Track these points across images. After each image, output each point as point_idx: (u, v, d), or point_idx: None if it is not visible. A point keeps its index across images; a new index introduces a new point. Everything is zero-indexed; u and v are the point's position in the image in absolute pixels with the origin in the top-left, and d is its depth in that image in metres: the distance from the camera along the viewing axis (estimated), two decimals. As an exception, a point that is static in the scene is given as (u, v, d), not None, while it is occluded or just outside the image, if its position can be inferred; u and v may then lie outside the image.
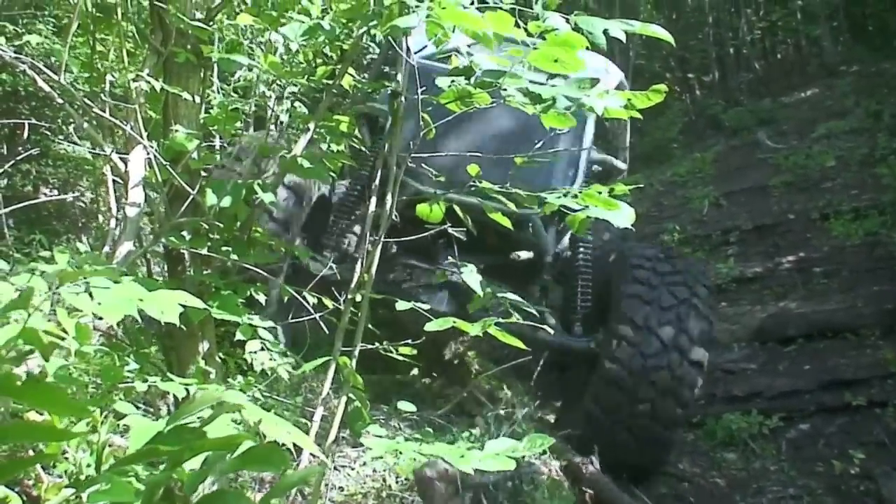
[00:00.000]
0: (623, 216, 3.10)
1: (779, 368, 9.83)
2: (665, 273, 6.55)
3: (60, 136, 7.97)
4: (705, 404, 8.89)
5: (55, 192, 8.70)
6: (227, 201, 3.07)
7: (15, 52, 3.14)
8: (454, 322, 2.89)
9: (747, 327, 10.80)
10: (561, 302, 7.58)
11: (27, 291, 1.94)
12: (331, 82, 3.34)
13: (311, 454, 2.94)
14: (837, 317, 10.35)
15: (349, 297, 3.10)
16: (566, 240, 7.76)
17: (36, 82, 3.09)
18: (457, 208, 3.50)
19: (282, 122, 3.28)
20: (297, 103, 3.48)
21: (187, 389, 2.57)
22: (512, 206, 3.31)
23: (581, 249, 7.34)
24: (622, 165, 8.03)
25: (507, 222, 3.42)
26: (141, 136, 3.04)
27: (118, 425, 3.07)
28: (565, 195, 3.14)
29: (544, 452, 6.05)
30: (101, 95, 3.15)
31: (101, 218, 8.66)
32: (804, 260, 12.56)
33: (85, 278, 2.32)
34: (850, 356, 9.57)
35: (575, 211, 3.16)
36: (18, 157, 6.93)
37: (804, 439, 8.34)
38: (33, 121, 6.97)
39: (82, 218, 8.99)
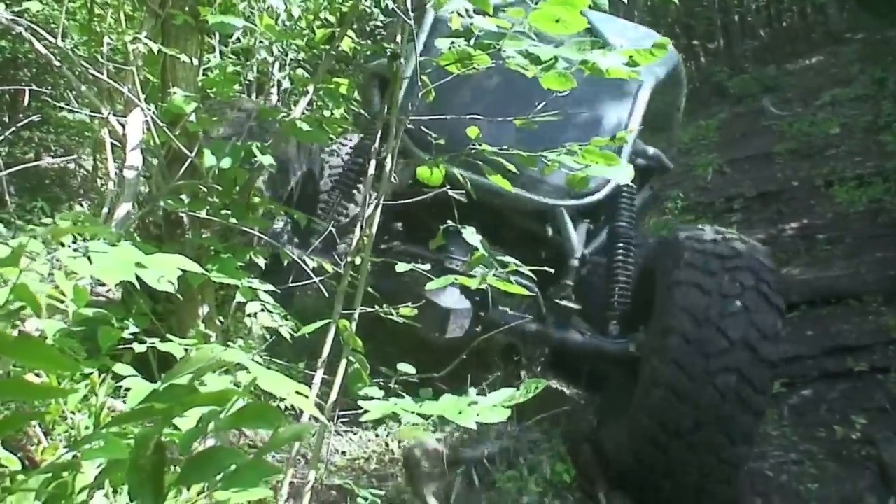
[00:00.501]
0: (623, 173, 3.08)
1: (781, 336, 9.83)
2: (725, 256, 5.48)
3: (61, 103, 7.94)
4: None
5: (57, 158, 8.69)
6: (226, 162, 3.05)
7: (13, 17, 3.12)
8: (455, 279, 2.87)
9: (750, 294, 10.75)
10: (594, 301, 6.61)
11: (17, 248, 1.93)
12: (329, 46, 3.31)
13: (311, 417, 2.95)
14: (841, 283, 10.35)
15: (348, 259, 3.09)
16: (601, 238, 6.92)
17: (34, 47, 3.08)
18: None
19: (283, 88, 3.26)
20: (299, 69, 3.43)
21: (186, 350, 2.58)
22: (512, 168, 3.28)
23: (622, 243, 6.57)
24: (669, 164, 7.35)
25: (508, 185, 3.37)
26: (139, 99, 3.03)
27: (119, 388, 3.07)
28: (566, 153, 3.11)
29: (540, 423, 6.06)
30: (100, 58, 3.13)
31: (100, 183, 8.65)
32: (807, 227, 12.54)
33: (83, 240, 2.33)
34: (853, 322, 9.59)
35: (575, 170, 3.13)
36: (19, 124, 6.91)
37: (806, 405, 8.37)
38: (34, 87, 6.93)
39: (83, 185, 8.99)
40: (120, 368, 2.38)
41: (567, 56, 2.94)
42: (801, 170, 14.61)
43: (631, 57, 2.97)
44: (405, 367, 3.23)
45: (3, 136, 5.86)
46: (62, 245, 2.44)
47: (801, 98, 19.19)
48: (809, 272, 11.11)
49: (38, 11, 6.16)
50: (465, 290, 5.72)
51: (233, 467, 1.39)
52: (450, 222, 3.23)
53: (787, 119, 17.51)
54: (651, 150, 7.08)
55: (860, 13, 25.42)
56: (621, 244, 6.56)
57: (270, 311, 3.35)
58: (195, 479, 1.39)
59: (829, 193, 13.29)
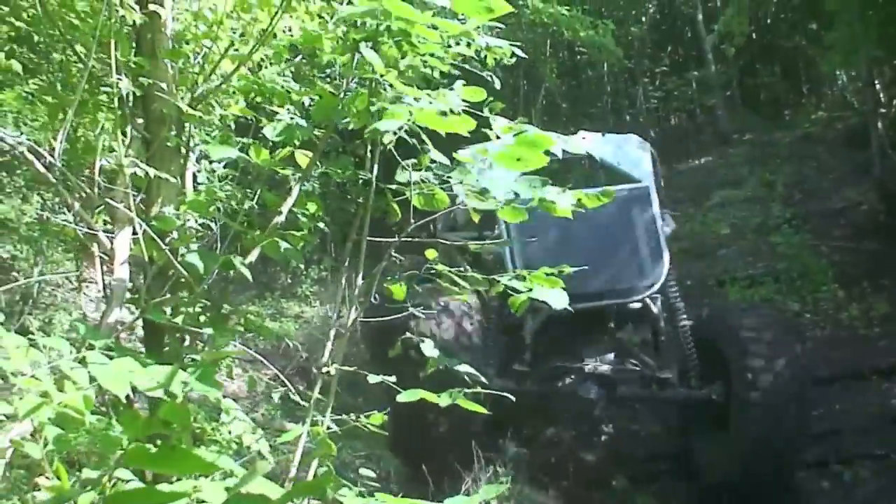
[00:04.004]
0: (560, 297, 3.36)
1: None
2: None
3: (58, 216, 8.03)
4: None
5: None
6: (199, 266, 3.26)
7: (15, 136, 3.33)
8: (423, 394, 3.11)
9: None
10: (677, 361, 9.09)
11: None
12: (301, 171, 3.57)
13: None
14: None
15: (321, 369, 3.33)
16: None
17: (33, 165, 3.28)
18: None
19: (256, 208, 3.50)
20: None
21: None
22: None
23: (680, 315, 8.95)
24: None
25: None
26: (131, 217, 3.25)
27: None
28: (514, 278, 3.39)
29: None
30: (95, 177, 3.36)
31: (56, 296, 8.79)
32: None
33: (76, 349, 2.55)
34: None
35: (519, 292, 3.40)
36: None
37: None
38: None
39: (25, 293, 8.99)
40: (122, 474, 2.57)
41: (521, 192, 3.26)
42: (694, 269, 15.14)
43: (580, 199, 3.31)
44: (366, 472, 3.47)
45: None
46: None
47: (692, 198, 19.87)
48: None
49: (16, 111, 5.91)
50: (599, 382, 8.56)
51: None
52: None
53: (679, 219, 18.18)
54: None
55: (748, 115, 26.67)
56: (680, 316, 8.93)
57: (243, 420, 3.53)
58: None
59: (722, 293, 13.82)
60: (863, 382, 10.58)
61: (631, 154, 9.33)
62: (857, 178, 17.28)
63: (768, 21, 28.77)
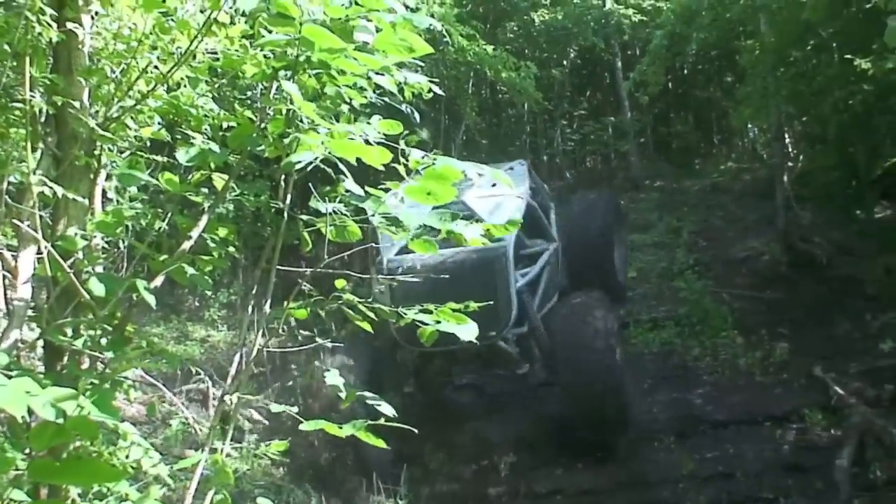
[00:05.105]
0: (469, 330, 3.42)
1: (579, 467, 10.39)
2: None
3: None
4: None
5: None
6: (99, 290, 3.22)
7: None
8: (325, 424, 3.13)
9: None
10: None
11: None
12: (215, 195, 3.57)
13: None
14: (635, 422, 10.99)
15: (222, 396, 3.31)
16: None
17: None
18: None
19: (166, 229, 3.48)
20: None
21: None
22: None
23: (538, 331, 11.10)
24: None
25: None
26: (37, 235, 3.21)
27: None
28: (422, 311, 3.45)
29: None
30: (1, 193, 3.29)
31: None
32: (605, 366, 13.31)
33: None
34: (648, 458, 10.24)
35: (426, 325, 3.45)
36: None
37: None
38: None
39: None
40: (16, 494, 2.54)
41: (433, 224, 3.32)
42: (600, 311, 15.35)
43: (488, 230, 3.38)
44: (264, 501, 3.45)
45: None
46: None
47: (602, 241, 20.16)
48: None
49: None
50: (475, 390, 12.56)
51: None
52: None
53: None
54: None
55: (660, 162, 27.28)
56: (538, 331, 11.11)
57: (140, 445, 3.47)
58: None
59: (625, 335, 14.04)
60: (757, 427, 10.83)
61: (503, 207, 11.03)
62: (761, 229, 17.78)
63: (685, 72, 29.51)
